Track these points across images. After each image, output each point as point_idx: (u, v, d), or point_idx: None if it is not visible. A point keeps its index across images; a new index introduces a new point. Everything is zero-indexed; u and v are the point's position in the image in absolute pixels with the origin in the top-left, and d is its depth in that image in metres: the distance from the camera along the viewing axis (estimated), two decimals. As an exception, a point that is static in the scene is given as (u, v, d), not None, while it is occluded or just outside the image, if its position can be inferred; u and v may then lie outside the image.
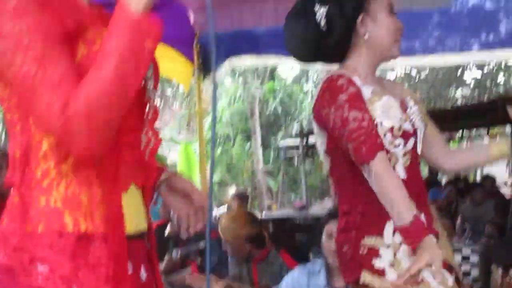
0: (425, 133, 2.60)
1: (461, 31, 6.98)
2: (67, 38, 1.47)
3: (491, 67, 20.76)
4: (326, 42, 2.55)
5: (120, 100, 1.42)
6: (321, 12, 2.52)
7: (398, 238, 2.46)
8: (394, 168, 2.45)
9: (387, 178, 2.29)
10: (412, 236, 2.22)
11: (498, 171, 17.57)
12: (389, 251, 2.49)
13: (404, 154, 2.48)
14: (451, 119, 11.15)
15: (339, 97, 2.41)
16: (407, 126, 2.49)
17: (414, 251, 2.27)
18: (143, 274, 1.65)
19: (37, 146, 1.50)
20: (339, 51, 2.59)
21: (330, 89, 2.48)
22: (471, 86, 25.48)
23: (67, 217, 1.47)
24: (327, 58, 2.72)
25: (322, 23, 2.52)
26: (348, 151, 2.40)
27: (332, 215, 3.78)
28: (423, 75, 22.83)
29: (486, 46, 7.24)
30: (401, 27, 2.55)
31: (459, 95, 25.42)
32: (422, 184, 2.58)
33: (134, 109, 1.61)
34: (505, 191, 12.04)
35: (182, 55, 6.42)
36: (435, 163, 2.75)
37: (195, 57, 6.46)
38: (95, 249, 1.48)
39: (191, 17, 6.37)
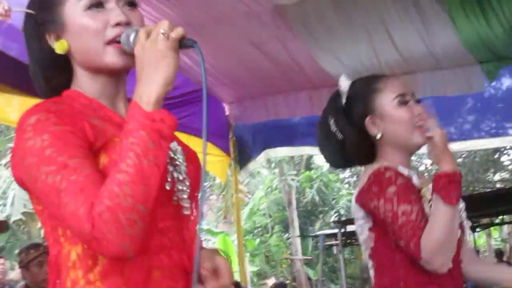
0: None
1: (496, 114, 6.97)
2: (88, 147, 1.48)
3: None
4: (345, 149, 2.58)
5: (143, 193, 1.40)
6: (332, 123, 2.58)
7: None
8: None
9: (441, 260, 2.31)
10: None
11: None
12: None
13: None
14: (490, 204, 11.00)
15: (388, 190, 2.40)
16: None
17: None
18: None
19: (66, 256, 1.51)
20: (362, 154, 2.60)
21: (378, 182, 2.45)
22: (510, 168, 25.22)
23: None
24: (355, 162, 2.72)
25: (337, 133, 2.57)
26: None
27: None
28: (460, 159, 22.69)
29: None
30: (420, 112, 2.50)
31: (498, 178, 25.15)
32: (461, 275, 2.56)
33: (165, 210, 1.58)
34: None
35: (218, 148, 6.46)
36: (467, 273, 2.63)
37: (231, 149, 6.50)
38: None
39: (226, 110, 6.45)
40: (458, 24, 4.92)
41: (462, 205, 2.53)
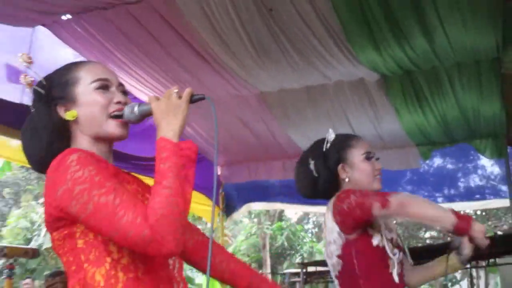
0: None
1: (428, 186, 6.98)
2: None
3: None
4: (318, 184, 2.59)
5: (183, 202, 1.46)
6: (312, 164, 2.60)
7: None
8: (391, 273, 2.39)
9: (408, 203, 2.27)
10: (465, 225, 2.16)
11: None
12: None
13: (398, 263, 2.40)
14: (421, 256, 10.92)
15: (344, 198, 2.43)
16: (399, 241, 2.48)
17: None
18: None
19: (91, 278, 1.47)
20: (330, 190, 2.57)
21: (339, 199, 2.45)
22: (437, 228, 25.22)
23: None
24: (322, 195, 2.65)
25: (314, 171, 2.59)
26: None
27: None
28: (398, 219, 22.81)
29: (448, 198, 7.21)
30: (379, 167, 2.55)
31: (428, 236, 25.26)
32: None
33: None
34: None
35: (210, 199, 6.44)
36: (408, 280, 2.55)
37: (220, 202, 6.46)
38: None
39: (218, 171, 6.43)
40: (401, 114, 4.94)
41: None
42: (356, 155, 2.53)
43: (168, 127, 1.54)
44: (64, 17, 3.83)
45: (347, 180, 2.53)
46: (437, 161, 6.87)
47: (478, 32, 3.78)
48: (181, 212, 1.44)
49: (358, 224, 2.37)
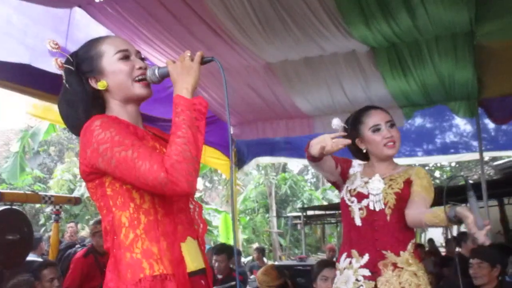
0: (410, 198, 2.33)
1: (410, 142, 7.01)
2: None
3: (431, 166, 20.61)
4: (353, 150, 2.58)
5: (195, 148, 1.48)
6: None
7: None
8: (353, 218, 2.38)
9: None
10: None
11: (437, 235, 17.16)
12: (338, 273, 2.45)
13: (360, 209, 2.37)
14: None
15: None
16: (362, 190, 2.41)
17: None
18: None
19: (119, 220, 1.53)
20: (364, 155, 2.55)
21: None
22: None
23: (145, 264, 1.47)
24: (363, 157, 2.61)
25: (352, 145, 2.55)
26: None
27: (326, 263, 3.72)
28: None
29: (427, 152, 7.24)
30: (387, 135, 2.41)
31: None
32: (380, 234, 2.33)
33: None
34: (442, 249, 11.67)
35: (224, 155, 6.50)
36: (406, 219, 2.33)
37: (233, 157, 6.50)
38: (166, 284, 1.47)
39: (231, 130, 6.45)
40: (388, 81, 4.92)
41: (378, 183, 2.44)
42: (365, 130, 2.47)
43: (182, 85, 1.57)
44: (97, 0, 3.80)
45: (364, 151, 2.52)
46: (418, 120, 6.88)
47: (454, 9, 3.74)
48: (193, 157, 1.46)
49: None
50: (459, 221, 1.94)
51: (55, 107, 4.81)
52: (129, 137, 1.48)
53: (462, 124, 7.08)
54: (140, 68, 1.64)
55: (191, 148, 1.47)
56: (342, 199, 2.47)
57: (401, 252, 2.29)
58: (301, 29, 4.07)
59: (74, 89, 1.62)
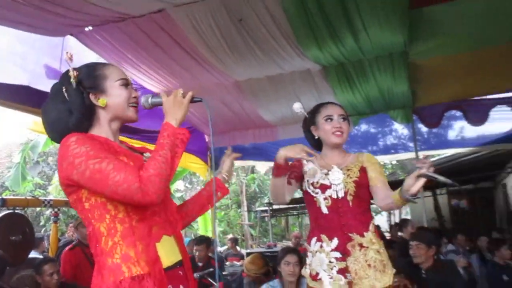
0: (371, 185, 2.31)
1: (357, 145, 7.10)
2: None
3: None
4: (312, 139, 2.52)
5: (170, 169, 1.49)
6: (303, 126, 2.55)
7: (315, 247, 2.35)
8: (319, 207, 2.33)
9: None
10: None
11: (383, 222, 17.36)
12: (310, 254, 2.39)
13: (325, 198, 2.32)
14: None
15: None
16: (324, 181, 2.35)
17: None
18: None
19: (98, 230, 1.50)
20: (316, 143, 2.50)
21: None
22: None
23: (124, 267, 1.45)
24: (316, 145, 2.54)
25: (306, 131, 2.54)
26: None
27: (289, 250, 3.72)
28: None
29: (372, 153, 7.33)
30: (336, 126, 2.36)
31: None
32: (345, 219, 2.28)
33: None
34: (387, 234, 11.85)
35: (201, 160, 6.48)
36: (377, 204, 2.34)
37: (209, 161, 6.47)
38: (144, 283, 1.45)
39: (206, 138, 6.43)
40: (337, 93, 4.97)
41: (338, 173, 2.37)
42: (320, 118, 2.43)
43: (173, 116, 1.59)
44: (87, 29, 3.74)
45: (316, 137, 2.48)
46: (363, 126, 6.99)
47: (390, 33, 3.80)
48: (167, 176, 1.48)
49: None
50: (413, 195, 1.98)
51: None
52: (103, 152, 1.45)
53: (400, 129, 7.22)
54: (135, 97, 1.67)
55: (167, 168, 1.47)
56: (306, 191, 2.41)
57: (365, 233, 2.27)
58: (263, 52, 4.08)
59: (73, 99, 1.57)
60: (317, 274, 2.30)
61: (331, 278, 2.24)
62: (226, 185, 2.08)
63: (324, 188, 2.34)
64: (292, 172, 2.42)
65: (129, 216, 1.50)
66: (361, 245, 2.25)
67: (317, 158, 2.44)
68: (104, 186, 1.41)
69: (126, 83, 1.65)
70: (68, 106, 1.56)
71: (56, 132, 1.59)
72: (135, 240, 1.49)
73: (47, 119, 1.60)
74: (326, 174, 2.37)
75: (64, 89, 1.57)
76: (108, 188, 1.40)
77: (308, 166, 2.45)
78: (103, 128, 1.61)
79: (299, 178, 2.45)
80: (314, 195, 2.36)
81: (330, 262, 2.27)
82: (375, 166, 2.37)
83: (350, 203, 2.30)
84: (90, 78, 1.60)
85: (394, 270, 2.29)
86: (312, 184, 2.37)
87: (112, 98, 1.61)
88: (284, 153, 2.23)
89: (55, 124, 1.58)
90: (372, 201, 2.38)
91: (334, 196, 2.32)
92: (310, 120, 2.49)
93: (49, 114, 1.59)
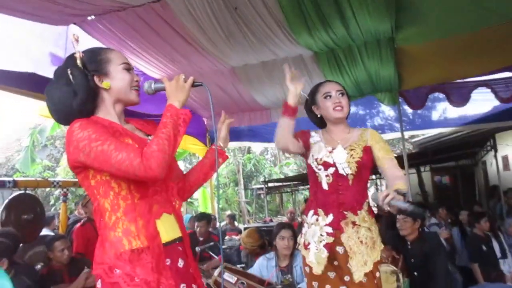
0: (379, 165, 2.27)
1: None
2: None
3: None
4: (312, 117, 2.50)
5: (173, 146, 1.48)
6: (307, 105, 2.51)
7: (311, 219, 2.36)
8: (320, 182, 2.30)
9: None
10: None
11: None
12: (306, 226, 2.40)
13: (327, 175, 2.29)
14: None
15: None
16: (328, 159, 2.29)
17: None
18: (181, 263, 1.58)
19: (103, 205, 1.50)
20: (319, 121, 2.46)
21: None
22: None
23: (124, 240, 1.47)
24: (319, 123, 2.50)
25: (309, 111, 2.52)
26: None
27: (283, 225, 3.76)
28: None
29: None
30: (336, 101, 2.32)
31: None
32: (343, 197, 2.27)
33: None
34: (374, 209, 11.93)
35: (200, 141, 6.46)
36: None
37: (207, 143, 6.47)
38: (143, 255, 1.47)
39: (205, 121, 6.41)
40: (328, 77, 4.94)
41: (342, 151, 2.32)
42: (319, 97, 2.40)
43: (175, 98, 1.59)
44: (89, 18, 3.69)
45: (319, 115, 2.44)
46: (352, 108, 6.92)
47: (378, 20, 3.78)
48: (169, 153, 1.45)
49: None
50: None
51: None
52: (105, 134, 1.44)
53: (387, 110, 7.23)
54: (137, 81, 1.65)
55: (169, 145, 1.46)
56: (310, 166, 2.36)
57: (358, 212, 2.27)
58: (257, 38, 4.05)
59: (78, 81, 1.54)
60: (309, 243, 2.32)
61: (316, 249, 2.27)
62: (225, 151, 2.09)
63: (327, 165, 2.30)
64: (301, 135, 2.39)
65: (132, 193, 1.51)
66: (354, 223, 2.25)
67: (322, 133, 2.42)
68: (108, 166, 1.42)
69: (129, 67, 1.63)
70: (72, 88, 1.54)
71: (61, 113, 1.57)
72: (136, 216, 1.50)
73: (52, 101, 1.58)
74: (331, 152, 2.32)
75: (69, 71, 1.55)
76: (112, 166, 1.41)
77: (315, 139, 2.40)
78: (107, 110, 1.60)
79: (306, 143, 2.39)
80: (317, 171, 2.32)
81: (321, 235, 2.28)
82: (381, 145, 2.32)
83: (350, 182, 2.27)
84: (94, 61, 1.58)
85: (382, 246, 2.31)
86: (316, 160, 2.32)
87: (116, 81, 1.59)
88: (294, 90, 2.25)
89: (60, 105, 1.56)
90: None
91: (336, 174, 2.28)
92: (310, 100, 2.46)
93: (54, 95, 1.57)
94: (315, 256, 2.27)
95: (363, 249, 2.23)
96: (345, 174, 2.27)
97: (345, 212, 2.26)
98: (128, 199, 1.50)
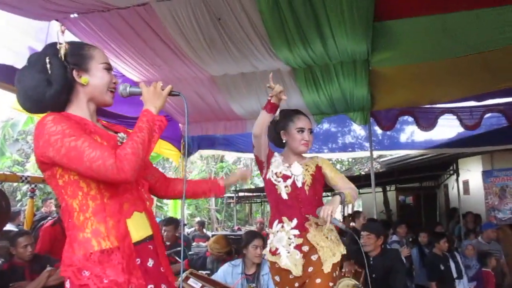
0: (333, 184, 2.54)
1: (319, 142, 7.18)
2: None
3: (333, 161, 21.22)
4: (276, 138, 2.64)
5: (146, 151, 1.46)
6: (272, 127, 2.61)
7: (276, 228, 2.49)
8: (280, 193, 2.49)
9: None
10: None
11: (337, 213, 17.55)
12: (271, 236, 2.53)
13: (285, 186, 2.48)
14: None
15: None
16: (286, 172, 2.51)
17: None
18: (150, 262, 1.55)
19: (71, 206, 1.46)
20: (280, 143, 2.65)
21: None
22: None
23: (93, 241, 1.43)
24: (279, 144, 2.67)
25: (272, 131, 2.63)
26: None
27: (256, 234, 3.79)
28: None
29: (331, 150, 7.44)
30: (306, 139, 2.54)
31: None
32: (302, 204, 2.46)
33: None
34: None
35: (175, 147, 6.40)
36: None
37: (182, 149, 6.39)
38: (113, 256, 1.43)
39: (180, 127, 6.36)
40: (304, 94, 5.02)
41: (298, 167, 2.55)
42: (292, 128, 2.57)
43: (152, 104, 1.57)
44: (72, 16, 3.63)
45: (285, 141, 2.61)
46: (325, 125, 7.08)
47: (355, 42, 3.86)
48: (143, 157, 1.45)
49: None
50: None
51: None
52: (79, 131, 1.41)
53: (358, 129, 7.35)
54: (115, 83, 1.63)
55: (144, 149, 1.45)
56: (269, 180, 2.55)
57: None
58: (239, 50, 4.06)
59: (55, 71, 1.50)
60: (276, 249, 2.46)
61: (288, 252, 2.42)
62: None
63: (285, 177, 2.51)
64: (269, 151, 2.57)
65: (101, 193, 1.47)
66: (316, 224, 2.44)
67: (281, 156, 2.63)
68: (79, 163, 1.37)
69: (109, 68, 1.61)
70: (47, 77, 1.49)
71: (31, 100, 1.52)
72: (106, 216, 1.46)
73: (22, 87, 1.52)
74: (288, 167, 2.55)
75: (47, 60, 1.50)
76: (83, 164, 1.37)
77: (276, 158, 2.59)
78: (80, 107, 1.56)
79: (269, 158, 2.58)
80: (276, 183, 2.52)
81: (289, 238, 2.44)
82: (331, 167, 2.58)
83: (307, 192, 2.48)
84: (76, 55, 1.54)
85: (343, 247, 2.49)
86: (276, 173, 2.53)
87: (94, 79, 1.56)
88: (278, 90, 2.40)
89: (30, 92, 1.50)
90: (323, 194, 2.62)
91: (294, 185, 2.49)
92: (281, 125, 2.61)
93: (25, 81, 1.51)
94: (289, 259, 2.41)
95: (329, 243, 2.41)
96: (301, 185, 2.48)
97: (307, 215, 2.46)
98: (97, 199, 1.46)
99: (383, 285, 3.77)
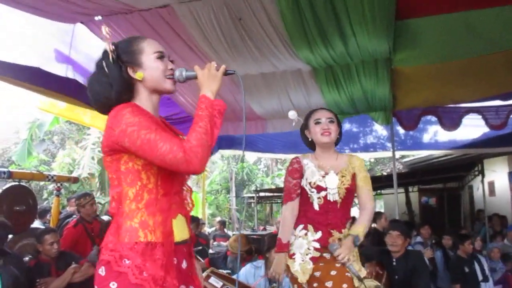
0: (357, 192, 2.54)
1: (340, 142, 7.13)
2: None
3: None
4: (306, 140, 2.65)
5: (211, 139, 1.45)
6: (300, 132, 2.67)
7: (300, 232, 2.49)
8: (312, 202, 2.46)
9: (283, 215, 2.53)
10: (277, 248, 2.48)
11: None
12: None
13: (318, 198, 2.45)
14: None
15: (287, 169, 2.57)
16: (321, 183, 2.46)
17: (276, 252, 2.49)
18: (184, 264, 1.58)
19: (126, 194, 1.48)
20: (310, 144, 2.63)
21: (289, 164, 2.58)
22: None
23: (140, 232, 1.45)
24: (309, 145, 2.66)
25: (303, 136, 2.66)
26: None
27: (272, 237, 3.74)
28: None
29: (352, 150, 7.38)
30: (325, 127, 2.51)
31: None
32: (331, 218, 2.45)
33: (179, 177, 1.59)
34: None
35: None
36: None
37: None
38: (156, 251, 1.45)
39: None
40: (324, 93, 4.99)
41: (334, 176, 2.51)
42: (311, 122, 2.57)
43: (208, 88, 1.55)
44: (96, 18, 3.71)
45: (310, 139, 2.60)
46: (347, 125, 7.01)
47: (377, 41, 3.82)
48: (208, 146, 1.44)
49: None
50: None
51: (59, 103, 4.66)
52: (153, 124, 1.42)
53: (380, 129, 7.26)
54: (171, 69, 1.60)
55: (208, 138, 1.44)
56: (303, 187, 2.52)
57: (343, 230, 2.45)
58: (259, 50, 4.07)
59: (112, 73, 1.52)
60: (294, 254, 2.46)
61: (302, 261, 2.42)
62: None
63: (319, 189, 2.47)
64: (295, 190, 2.54)
65: (157, 188, 1.49)
66: (339, 239, 2.43)
67: (313, 158, 2.58)
68: (153, 155, 1.40)
69: (162, 55, 1.59)
70: (109, 80, 1.53)
71: (100, 104, 1.56)
72: (156, 211, 1.48)
73: (91, 91, 1.57)
74: (323, 176, 2.49)
75: (104, 63, 1.53)
76: (156, 157, 1.39)
77: (307, 165, 2.54)
78: (143, 102, 1.57)
79: (301, 174, 2.55)
80: (310, 193, 2.49)
81: (308, 248, 2.43)
82: (363, 174, 2.53)
83: (338, 205, 2.46)
84: (127, 53, 1.55)
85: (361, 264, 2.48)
86: (310, 183, 2.49)
87: (149, 71, 1.56)
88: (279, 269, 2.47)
89: (98, 96, 1.54)
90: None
91: (328, 198, 2.46)
92: (304, 124, 2.64)
93: (93, 86, 1.55)
94: (300, 267, 2.42)
95: (352, 258, 2.40)
96: (333, 200, 2.45)
97: (332, 231, 2.45)
98: (152, 193, 1.49)
99: (406, 287, 3.71)
